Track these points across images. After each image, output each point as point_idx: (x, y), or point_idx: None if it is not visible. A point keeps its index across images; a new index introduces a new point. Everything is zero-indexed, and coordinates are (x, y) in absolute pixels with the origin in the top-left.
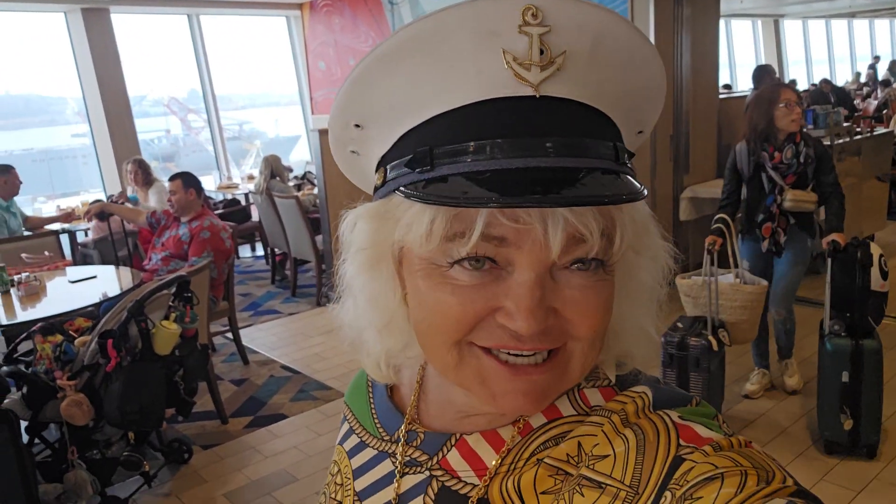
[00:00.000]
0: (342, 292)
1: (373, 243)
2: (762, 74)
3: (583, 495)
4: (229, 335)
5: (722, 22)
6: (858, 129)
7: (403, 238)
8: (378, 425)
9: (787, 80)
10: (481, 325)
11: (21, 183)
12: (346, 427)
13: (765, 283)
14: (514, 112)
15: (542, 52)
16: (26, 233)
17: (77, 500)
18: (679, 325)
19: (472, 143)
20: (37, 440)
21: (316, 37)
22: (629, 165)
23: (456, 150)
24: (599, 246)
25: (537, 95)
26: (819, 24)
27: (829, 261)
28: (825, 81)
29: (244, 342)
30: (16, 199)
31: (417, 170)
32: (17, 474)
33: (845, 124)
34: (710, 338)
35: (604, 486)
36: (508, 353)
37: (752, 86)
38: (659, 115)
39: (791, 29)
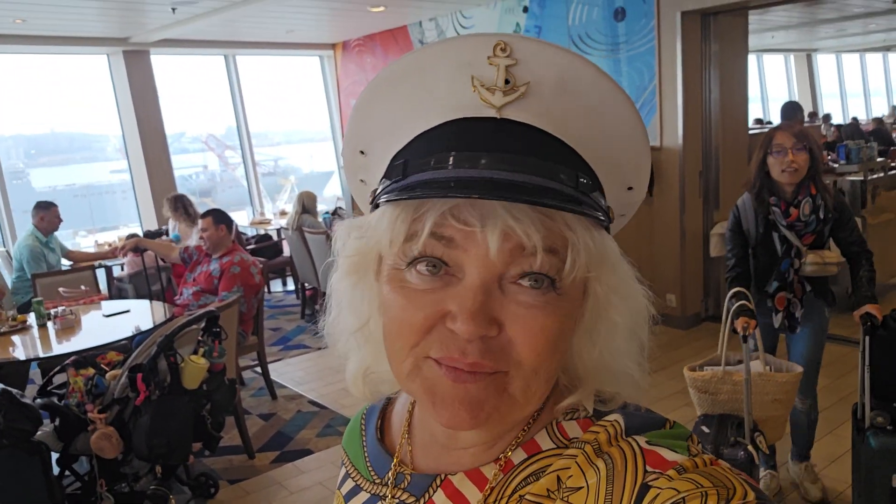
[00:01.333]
0: (330, 304)
1: (356, 251)
2: (791, 111)
3: None
4: (258, 369)
5: (754, 56)
6: (893, 164)
7: (373, 239)
8: (370, 468)
9: (821, 114)
10: (434, 334)
11: (61, 221)
12: (343, 471)
13: (799, 368)
14: (478, 130)
15: (507, 82)
16: (65, 266)
17: None
18: (704, 429)
19: (437, 155)
20: (67, 472)
21: (348, 75)
22: (592, 198)
23: (424, 162)
24: (545, 260)
25: (498, 117)
26: (853, 58)
27: (865, 339)
28: (855, 120)
29: (273, 376)
30: (56, 233)
31: (393, 180)
32: None
33: (879, 159)
34: (751, 448)
35: None
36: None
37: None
38: (648, 174)
39: (824, 63)
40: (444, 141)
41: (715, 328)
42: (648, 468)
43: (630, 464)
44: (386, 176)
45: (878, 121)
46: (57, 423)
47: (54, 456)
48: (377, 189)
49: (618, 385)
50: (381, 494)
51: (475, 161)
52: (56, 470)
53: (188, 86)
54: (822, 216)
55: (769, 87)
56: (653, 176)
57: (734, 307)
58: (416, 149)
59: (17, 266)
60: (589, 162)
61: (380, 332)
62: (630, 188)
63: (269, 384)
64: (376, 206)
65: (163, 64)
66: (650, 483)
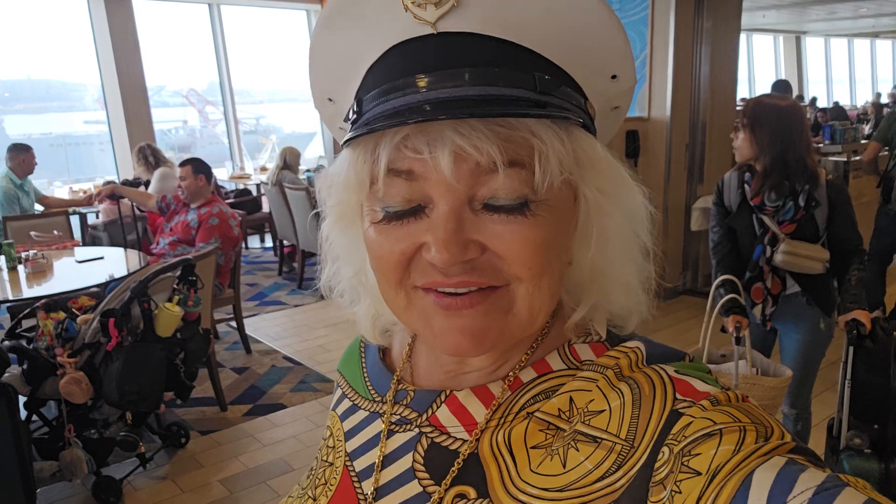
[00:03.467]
0: (323, 255)
1: (338, 199)
2: (781, 90)
3: (577, 450)
4: (233, 324)
5: (743, 36)
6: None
7: (344, 186)
8: (370, 387)
9: (807, 98)
10: (414, 264)
11: (36, 164)
12: (338, 393)
13: (788, 372)
14: (417, 51)
15: None
16: (38, 209)
17: (72, 479)
18: None
19: (385, 86)
20: (35, 417)
21: None
22: (557, 95)
23: (374, 95)
24: (510, 175)
25: (435, 32)
26: (841, 43)
27: (849, 349)
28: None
29: (248, 331)
30: (32, 180)
31: (351, 121)
32: (13, 449)
33: (864, 141)
34: None
35: (599, 440)
36: (444, 292)
37: None
38: (631, 57)
39: (813, 46)
40: (388, 70)
41: (693, 302)
42: (679, 395)
43: (659, 390)
44: (346, 117)
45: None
46: (25, 366)
47: (22, 400)
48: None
49: (615, 296)
50: (380, 412)
51: (416, 84)
52: (24, 414)
53: (170, 37)
54: (801, 204)
55: (757, 67)
56: (639, 145)
57: (722, 300)
58: (367, 84)
59: None
60: (552, 58)
61: (374, 278)
62: (614, 76)
63: (244, 338)
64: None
65: (145, 11)
66: (682, 410)
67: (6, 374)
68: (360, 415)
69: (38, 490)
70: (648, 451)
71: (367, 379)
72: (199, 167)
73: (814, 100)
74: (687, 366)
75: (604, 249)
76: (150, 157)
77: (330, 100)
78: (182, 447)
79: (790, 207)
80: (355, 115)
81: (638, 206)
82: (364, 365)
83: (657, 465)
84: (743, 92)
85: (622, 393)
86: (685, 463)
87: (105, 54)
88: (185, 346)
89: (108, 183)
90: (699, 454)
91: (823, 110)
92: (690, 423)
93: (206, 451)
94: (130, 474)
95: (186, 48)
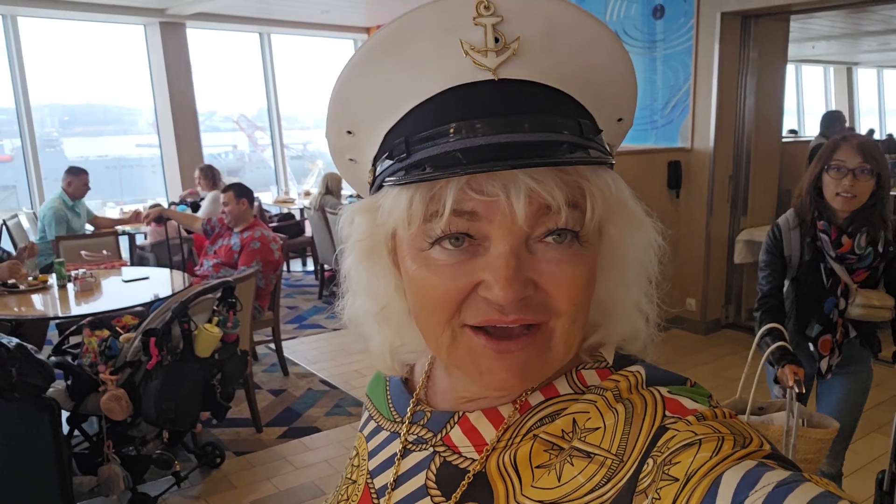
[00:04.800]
0: (345, 288)
1: (367, 234)
2: (832, 121)
3: (572, 465)
4: (272, 346)
5: (792, 67)
6: None
7: (389, 223)
8: (392, 409)
9: (857, 129)
10: (468, 303)
11: (88, 189)
12: (366, 415)
13: (834, 423)
14: (477, 95)
15: (497, 40)
16: (89, 229)
17: (109, 494)
18: None
19: (440, 128)
20: (76, 432)
21: None
22: (597, 141)
23: (427, 136)
24: (569, 215)
25: (496, 78)
26: (894, 74)
27: None
28: (890, 136)
29: (286, 354)
30: (86, 202)
31: (397, 159)
32: (54, 463)
33: None
34: None
35: (592, 455)
36: (494, 335)
37: (819, 131)
38: (636, 103)
39: (865, 78)
40: (444, 111)
41: (735, 337)
42: (668, 413)
43: (650, 408)
44: (388, 156)
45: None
46: (69, 381)
47: (65, 415)
48: (378, 169)
49: (629, 322)
50: (399, 431)
51: (480, 128)
52: (66, 429)
53: (223, 64)
54: (880, 250)
55: (806, 99)
56: (681, 176)
57: (772, 348)
58: (413, 123)
59: (40, 227)
60: (584, 104)
61: (399, 312)
62: (620, 119)
63: (282, 361)
64: (380, 187)
65: (198, 39)
66: (668, 425)
67: (51, 389)
68: (383, 434)
69: None
70: (636, 464)
71: (389, 401)
72: (240, 192)
73: (871, 132)
74: (684, 389)
75: (620, 282)
76: (209, 177)
77: (349, 132)
78: (217, 467)
79: (869, 254)
80: (402, 154)
81: (651, 240)
82: (388, 388)
83: (641, 475)
84: (790, 123)
85: (617, 412)
86: (665, 471)
87: (159, 80)
88: (222, 366)
89: (156, 205)
90: (678, 462)
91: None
92: (674, 435)
93: (239, 472)
94: (165, 492)
95: (238, 75)
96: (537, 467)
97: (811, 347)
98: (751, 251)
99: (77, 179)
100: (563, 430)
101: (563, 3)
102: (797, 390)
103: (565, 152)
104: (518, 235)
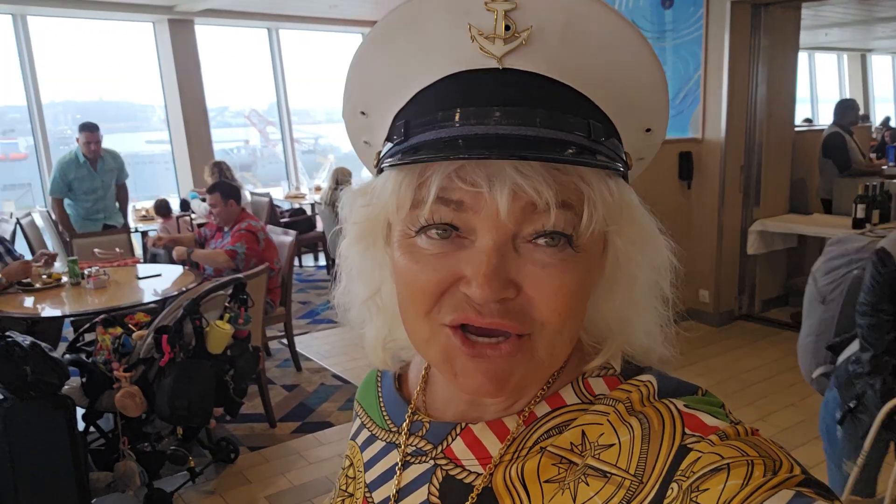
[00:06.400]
0: (339, 271)
1: (364, 217)
2: (846, 110)
3: (588, 484)
4: (284, 341)
5: (805, 55)
6: None
7: (380, 207)
8: (386, 417)
9: (872, 117)
10: (447, 298)
11: (93, 148)
12: (357, 423)
13: None
14: (480, 83)
15: (507, 28)
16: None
17: (125, 490)
18: None
19: (439, 113)
20: (92, 428)
21: None
22: (606, 144)
23: (426, 121)
24: (560, 217)
25: (500, 67)
26: None
27: None
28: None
29: (299, 349)
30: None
31: (396, 142)
32: (71, 459)
33: None
34: None
35: (609, 475)
36: (471, 339)
37: (833, 120)
38: (667, 115)
39: (879, 65)
40: (446, 97)
41: (748, 328)
42: (688, 431)
43: (668, 425)
44: (388, 138)
45: None
46: (84, 379)
47: (80, 412)
48: (381, 151)
49: (641, 340)
50: (396, 442)
51: (480, 116)
52: (81, 426)
53: (232, 60)
54: None
55: (820, 87)
56: (692, 167)
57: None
58: (416, 107)
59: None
60: (602, 107)
61: (392, 299)
62: (648, 130)
63: (295, 356)
64: (381, 171)
65: (207, 35)
66: (690, 445)
67: (66, 387)
68: (378, 445)
69: (93, 501)
70: (657, 487)
71: (383, 408)
72: (227, 192)
73: (886, 119)
74: (698, 400)
75: (628, 298)
76: (216, 173)
77: (363, 113)
78: (231, 462)
79: None
80: (401, 138)
81: (664, 259)
82: (380, 394)
83: (666, 501)
84: (804, 111)
85: (632, 428)
86: (693, 499)
87: (169, 77)
88: (234, 362)
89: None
90: (707, 489)
91: (890, 129)
92: (699, 458)
93: (254, 466)
94: (181, 488)
95: (247, 71)
96: (546, 482)
97: None
98: (764, 242)
99: (81, 136)
100: (571, 443)
101: None
102: None
103: (567, 152)
104: (503, 232)
